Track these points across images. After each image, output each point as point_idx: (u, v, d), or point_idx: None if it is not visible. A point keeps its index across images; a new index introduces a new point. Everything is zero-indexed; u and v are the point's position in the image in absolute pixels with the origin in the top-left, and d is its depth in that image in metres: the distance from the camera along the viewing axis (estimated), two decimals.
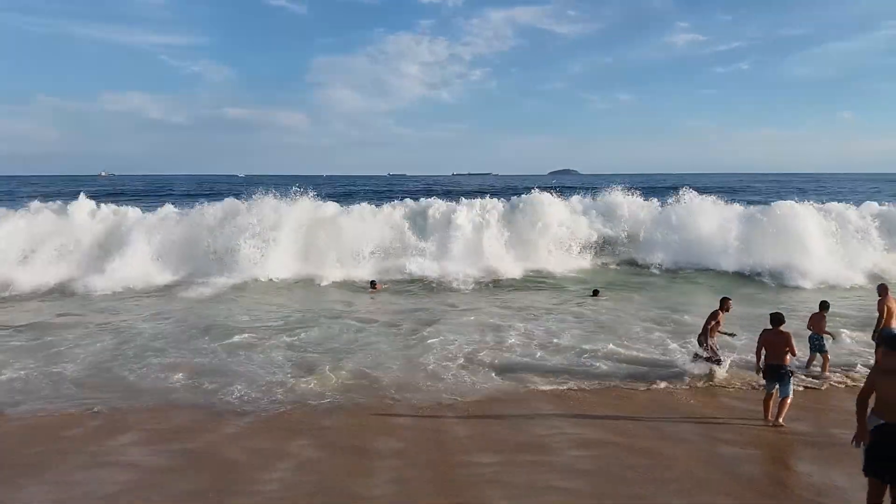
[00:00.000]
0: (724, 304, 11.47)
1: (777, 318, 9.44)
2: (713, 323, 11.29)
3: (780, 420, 9.13)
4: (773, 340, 9.34)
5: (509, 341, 13.46)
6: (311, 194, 25.91)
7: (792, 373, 9.41)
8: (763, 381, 9.68)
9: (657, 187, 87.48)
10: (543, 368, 11.73)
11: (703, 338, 11.30)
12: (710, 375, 11.06)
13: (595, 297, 18.34)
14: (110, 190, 77.70)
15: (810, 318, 12.13)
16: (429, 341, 13.35)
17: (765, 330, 9.54)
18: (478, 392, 10.52)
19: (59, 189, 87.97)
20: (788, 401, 9.19)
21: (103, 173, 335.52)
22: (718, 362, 11.16)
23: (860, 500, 5.82)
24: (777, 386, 9.30)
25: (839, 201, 28.34)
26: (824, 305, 12.24)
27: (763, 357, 9.46)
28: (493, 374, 11.37)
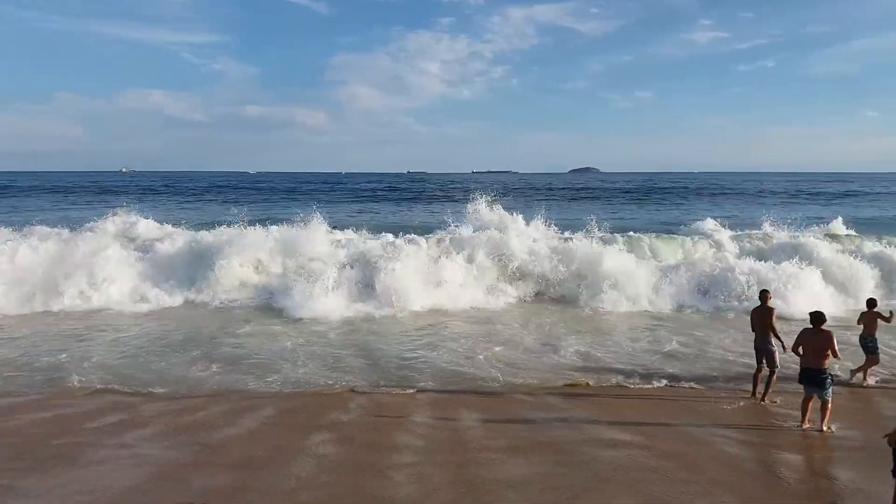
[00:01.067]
0: (764, 298, 10.45)
1: (818, 317, 8.83)
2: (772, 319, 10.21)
3: (824, 426, 8.80)
4: (814, 341, 8.79)
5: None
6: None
7: (833, 377, 8.96)
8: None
9: (674, 187, 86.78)
10: (560, 368, 11.72)
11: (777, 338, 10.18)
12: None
13: None
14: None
15: (861, 317, 11.33)
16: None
17: (804, 329, 8.97)
18: (497, 391, 10.56)
19: (81, 183, 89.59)
20: (829, 406, 8.79)
21: (124, 169, 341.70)
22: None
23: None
24: (816, 390, 8.81)
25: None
26: (872, 303, 11.39)
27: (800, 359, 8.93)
28: (508, 374, 11.36)
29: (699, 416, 9.50)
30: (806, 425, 8.93)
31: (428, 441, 8.37)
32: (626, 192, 71.96)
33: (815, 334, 8.77)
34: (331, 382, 10.98)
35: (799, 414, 9.08)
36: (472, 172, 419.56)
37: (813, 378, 8.75)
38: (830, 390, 8.78)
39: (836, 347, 8.68)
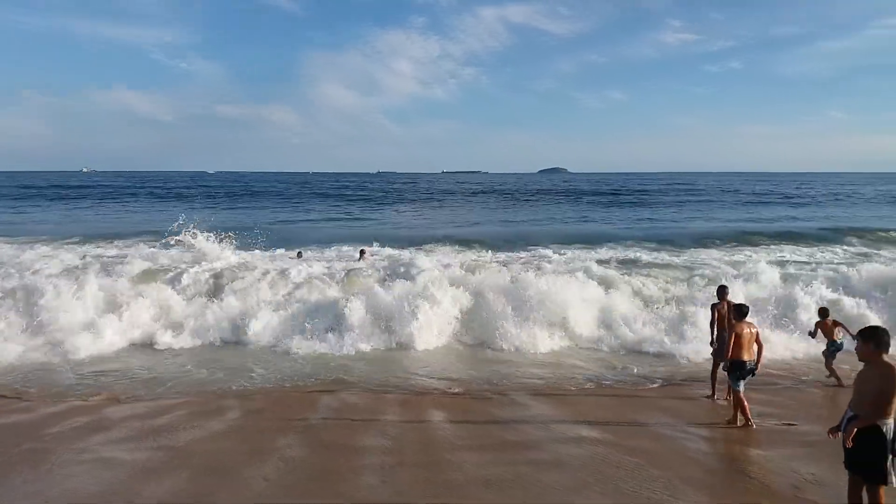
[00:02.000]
0: (723, 294, 10.66)
1: (744, 310, 9.25)
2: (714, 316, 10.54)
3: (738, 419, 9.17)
4: (748, 333, 9.08)
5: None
6: None
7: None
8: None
9: (645, 189, 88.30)
10: (532, 368, 11.84)
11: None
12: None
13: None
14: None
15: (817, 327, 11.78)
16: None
17: (736, 322, 9.20)
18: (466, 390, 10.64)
19: (36, 184, 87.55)
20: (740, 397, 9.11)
21: (85, 169, 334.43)
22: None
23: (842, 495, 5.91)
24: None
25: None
26: (825, 312, 11.93)
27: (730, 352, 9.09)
28: (480, 374, 11.45)
29: (664, 413, 9.71)
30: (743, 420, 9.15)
31: (397, 441, 8.40)
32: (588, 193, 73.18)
33: (750, 326, 9.17)
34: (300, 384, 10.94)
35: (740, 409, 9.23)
36: (443, 172, 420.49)
37: (751, 370, 9.11)
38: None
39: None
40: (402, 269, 17.03)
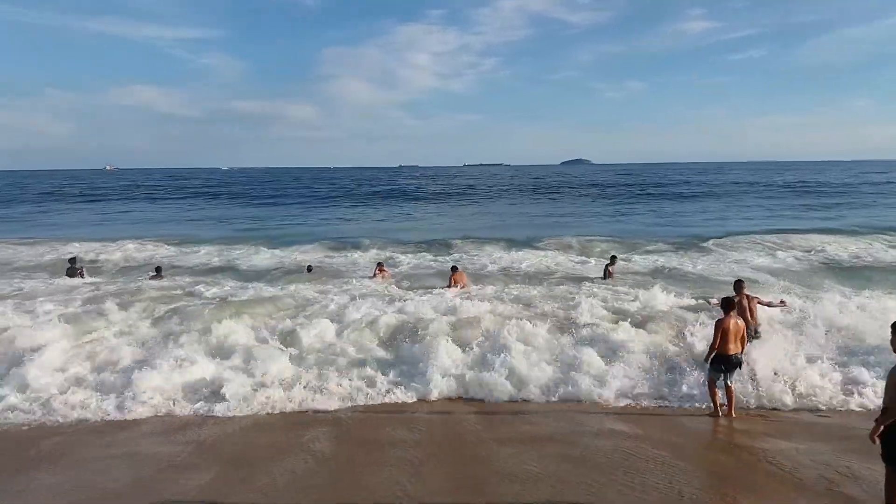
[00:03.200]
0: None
1: (730, 303, 9.27)
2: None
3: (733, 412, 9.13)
4: (735, 326, 9.05)
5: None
6: None
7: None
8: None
9: (667, 182, 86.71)
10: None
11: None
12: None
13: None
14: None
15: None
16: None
17: (722, 318, 9.12)
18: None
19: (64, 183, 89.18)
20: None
21: (108, 167, 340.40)
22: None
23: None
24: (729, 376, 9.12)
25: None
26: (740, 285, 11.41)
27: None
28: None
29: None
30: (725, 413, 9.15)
31: (426, 435, 8.46)
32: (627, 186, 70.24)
33: (738, 320, 9.19)
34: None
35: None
36: (465, 165, 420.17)
37: (737, 363, 9.11)
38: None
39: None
40: None
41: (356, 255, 24.69)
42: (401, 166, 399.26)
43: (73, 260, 19.45)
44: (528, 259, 22.63)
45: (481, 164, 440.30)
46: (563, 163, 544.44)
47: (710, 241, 26.79)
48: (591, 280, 17.85)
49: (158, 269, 18.76)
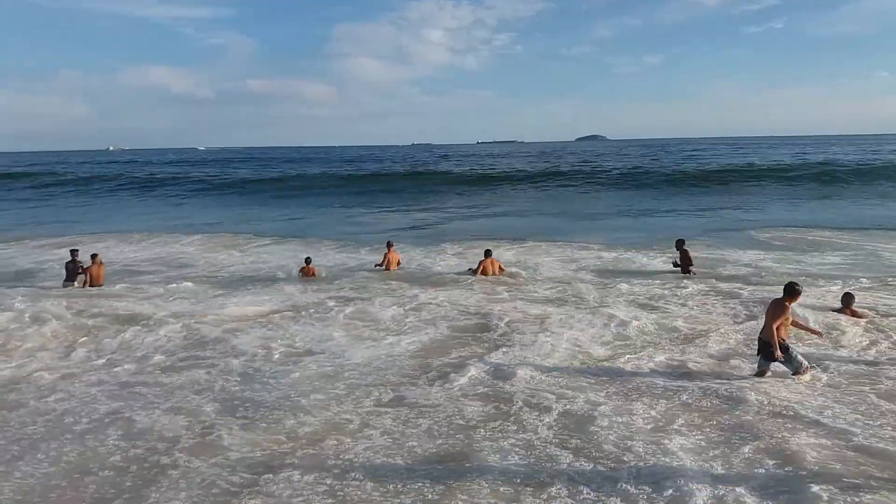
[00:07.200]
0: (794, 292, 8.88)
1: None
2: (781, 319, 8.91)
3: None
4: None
5: None
6: None
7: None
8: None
9: (686, 153, 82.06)
10: None
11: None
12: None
13: None
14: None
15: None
16: None
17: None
18: None
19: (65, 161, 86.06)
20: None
21: (111, 148, 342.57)
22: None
23: None
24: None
25: None
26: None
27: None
28: None
29: None
30: None
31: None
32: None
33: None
34: None
35: None
36: (478, 143, 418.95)
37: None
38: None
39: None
40: None
41: None
42: (413, 144, 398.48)
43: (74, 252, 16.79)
44: None
45: (495, 142, 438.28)
46: (578, 139, 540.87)
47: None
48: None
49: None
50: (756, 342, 9.12)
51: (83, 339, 11.32)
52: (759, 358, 8.99)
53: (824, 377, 8.80)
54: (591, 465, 6.31)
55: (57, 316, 12.56)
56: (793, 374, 8.73)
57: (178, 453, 6.78)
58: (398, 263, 17.86)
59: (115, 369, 9.72)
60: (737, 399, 7.98)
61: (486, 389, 8.58)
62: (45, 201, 48.16)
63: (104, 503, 5.91)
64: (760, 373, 8.94)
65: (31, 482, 6.31)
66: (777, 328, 8.67)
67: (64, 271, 16.45)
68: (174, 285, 15.99)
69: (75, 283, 16.08)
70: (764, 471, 6.15)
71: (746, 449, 6.59)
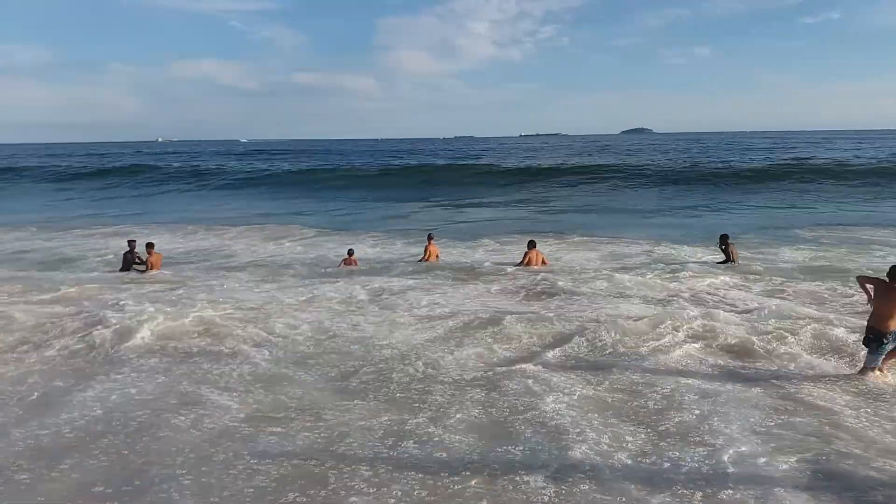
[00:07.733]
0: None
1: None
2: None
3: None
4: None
5: None
6: None
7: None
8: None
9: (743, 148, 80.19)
10: None
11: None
12: None
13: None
14: None
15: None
16: None
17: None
18: None
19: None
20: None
21: (160, 139, 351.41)
22: None
23: None
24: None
25: None
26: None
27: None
28: None
29: None
30: None
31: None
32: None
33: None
34: None
35: None
36: (521, 136, 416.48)
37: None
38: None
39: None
40: None
41: None
42: (456, 137, 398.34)
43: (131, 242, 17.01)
44: None
45: (538, 135, 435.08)
46: (623, 132, 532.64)
47: None
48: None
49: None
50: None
51: None
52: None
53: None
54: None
55: None
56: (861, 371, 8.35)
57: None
58: (437, 256, 18.12)
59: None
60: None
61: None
62: (105, 192, 49.84)
63: None
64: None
65: None
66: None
67: (121, 262, 16.95)
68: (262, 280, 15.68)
69: (132, 273, 16.51)
70: None
71: None
